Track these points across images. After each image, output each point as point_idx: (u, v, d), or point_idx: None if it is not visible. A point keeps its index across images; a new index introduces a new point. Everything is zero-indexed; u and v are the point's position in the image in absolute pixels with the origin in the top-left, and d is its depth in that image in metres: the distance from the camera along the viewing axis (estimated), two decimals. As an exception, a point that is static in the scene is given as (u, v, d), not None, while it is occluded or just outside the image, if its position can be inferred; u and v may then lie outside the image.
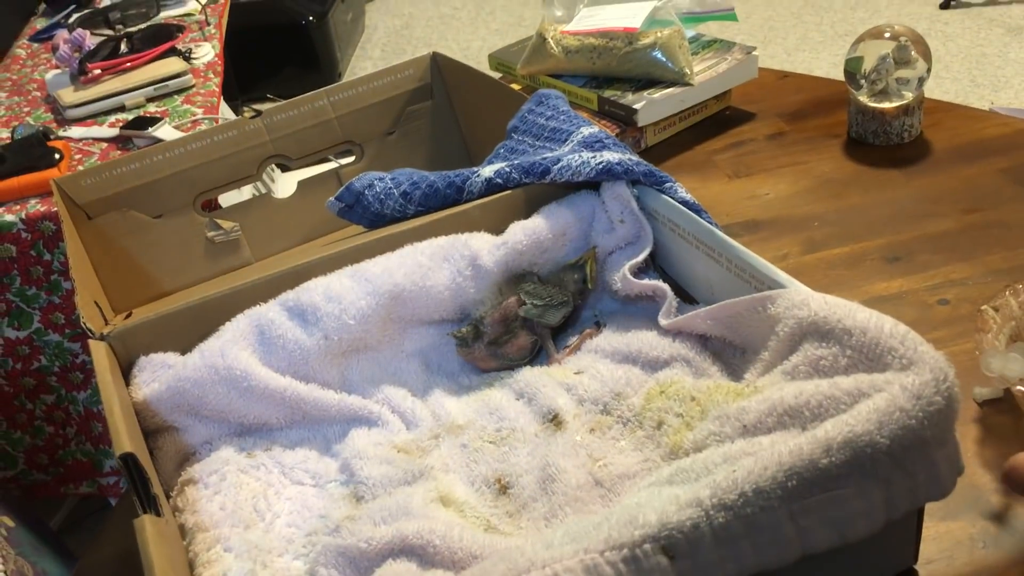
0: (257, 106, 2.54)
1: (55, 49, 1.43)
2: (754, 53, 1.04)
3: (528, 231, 0.69)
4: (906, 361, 0.48)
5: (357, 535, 0.52)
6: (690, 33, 1.07)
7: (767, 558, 0.44)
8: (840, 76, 0.99)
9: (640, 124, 0.99)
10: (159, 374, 0.63)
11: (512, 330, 0.66)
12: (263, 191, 1.40)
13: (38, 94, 1.43)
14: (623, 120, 1.00)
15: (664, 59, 1.00)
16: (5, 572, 1.01)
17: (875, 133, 0.95)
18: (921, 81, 0.92)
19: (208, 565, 0.51)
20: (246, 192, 1.46)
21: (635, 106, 0.98)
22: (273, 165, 0.97)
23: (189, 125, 1.25)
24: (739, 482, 0.43)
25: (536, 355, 0.67)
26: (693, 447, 0.53)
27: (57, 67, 1.43)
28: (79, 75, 1.35)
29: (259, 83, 2.67)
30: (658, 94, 1.00)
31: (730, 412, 0.52)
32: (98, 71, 1.35)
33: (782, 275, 0.57)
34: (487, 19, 3.16)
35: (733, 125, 1.04)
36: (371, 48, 3.11)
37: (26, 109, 1.39)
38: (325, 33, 2.74)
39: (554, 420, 0.60)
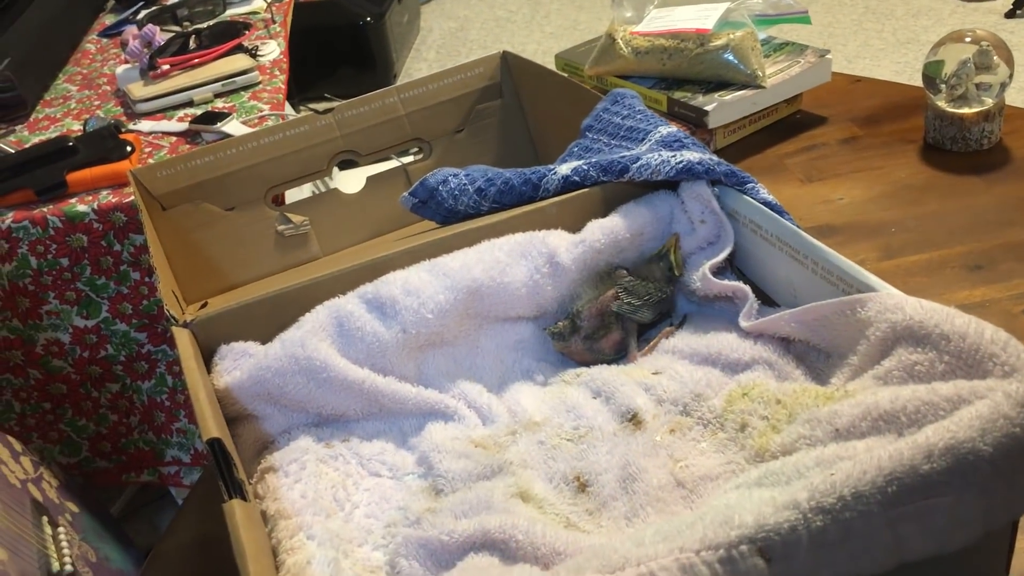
0: (314, 105, 2.57)
1: (124, 44, 1.46)
2: (828, 56, 1.03)
3: (606, 230, 0.68)
4: (1008, 368, 0.47)
5: (438, 528, 0.52)
6: (761, 35, 1.06)
7: (863, 565, 0.43)
8: (904, 82, 0.97)
9: (711, 126, 0.98)
10: (240, 362, 0.63)
11: (607, 324, 0.65)
12: (322, 189, 1.42)
13: (108, 88, 1.46)
14: (693, 122, 0.99)
15: (736, 61, 0.99)
16: (71, 556, 1.02)
17: (953, 139, 0.93)
18: (1003, 87, 0.90)
19: (292, 552, 0.51)
20: (305, 190, 1.47)
21: (706, 108, 0.97)
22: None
23: (256, 121, 1.26)
24: (838, 485, 0.42)
25: (625, 352, 0.67)
26: (781, 450, 0.52)
27: (126, 62, 1.45)
28: (149, 70, 1.37)
29: (316, 82, 2.70)
30: (729, 96, 0.99)
31: (820, 416, 0.51)
32: (167, 66, 1.37)
33: (873, 278, 0.56)
34: (542, 22, 3.16)
35: (804, 129, 1.03)
36: (426, 50, 3.13)
37: (96, 103, 1.41)
38: (382, 34, 2.76)
39: (633, 420, 0.60)
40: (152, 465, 1.29)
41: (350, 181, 1.01)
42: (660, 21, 1.06)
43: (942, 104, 0.93)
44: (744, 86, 1.00)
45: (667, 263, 0.68)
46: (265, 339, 0.65)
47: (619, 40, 1.06)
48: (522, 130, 1.00)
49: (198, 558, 0.67)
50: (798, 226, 0.64)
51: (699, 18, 1.02)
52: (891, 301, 0.53)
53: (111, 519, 1.24)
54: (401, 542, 0.53)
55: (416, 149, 1.00)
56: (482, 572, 0.48)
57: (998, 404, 0.44)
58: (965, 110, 0.91)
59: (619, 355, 0.67)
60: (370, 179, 0.98)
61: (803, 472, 0.47)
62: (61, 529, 1.06)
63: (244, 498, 0.50)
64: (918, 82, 0.96)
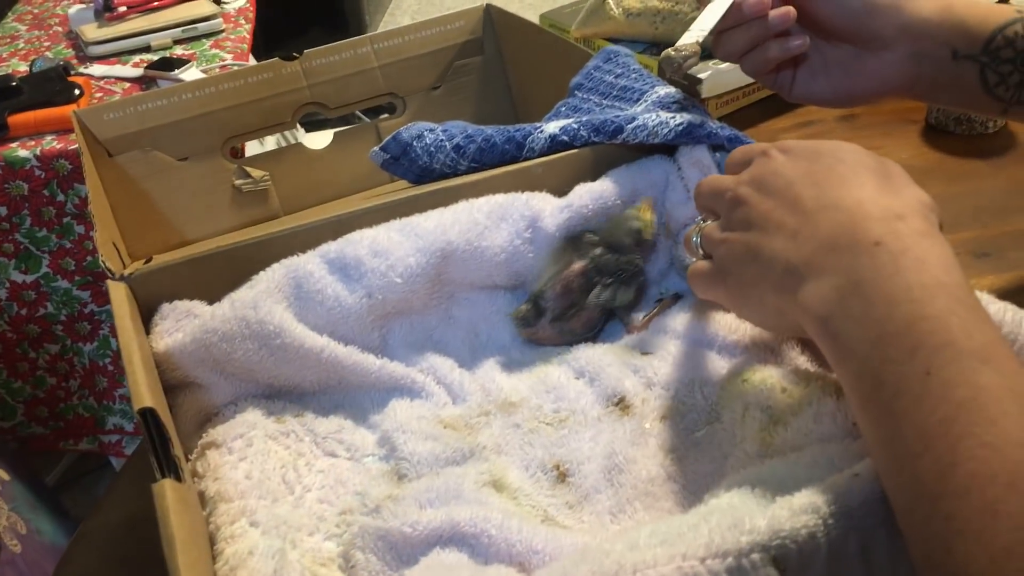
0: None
1: (80, -16, 1.37)
2: (828, 29, 0.98)
3: (595, 195, 0.62)
4: (1051, 362, 0.41)
5: (400, 518, 0.46)
6: (759, 4, 1.00)
7: (886, 578, 0.38)
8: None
9: (704, 96, 0.92)
10: (183, 323, 0.56)
11: (577, 302, 0.59)
12: (284, 143, 1.34)
13: (59, 29, 1.37)
14: (685, 91, 0.93)
15: (733, 28, 0.93)
16: (-3, 527, 0.95)
17: (957, 121, 0.88)
18: (1013, 67, 0.85)
19: (232, 540, 0.45)
20: (268, 143, 1.39)
21: (700, 76, 0.91)
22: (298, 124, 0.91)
23: (217, 70, 1.19)
24: (863, 489, 0.37)
25: (602, 328, 0.61)
26: (787, 445, 0.47)
27: (81, 2, 1.36)
28: (104, 11, 1.28)
29: (284, 41, 2.59)
30: (724, 65, 0.93)
31: (830, 408, 0.46)
32: (124, 8, 1.29)
33: (894, 258, 0.50)
34: (520, -8, 3.08)
35: (800, 104, 0.97)
36: (400, 14, 3.04)
37: (46, 43, 1.32)
38: (355, -6, 2.68)
39: (620, 404, 0.54)
40: (92, 433, 1.21)
41: (316, 140, 0.95)
42: (654, -18, 1.00)
43: (948, 83, 0.88)
44: (740, 55, 0.94)
45: (641, 221, 0.61)
46: (213, 299, 0.58)
47: (610, 0, 1.00)
48: (503, 89, 0.94)
49: (128, 538, 0.60)
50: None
51: (696, -20, 0.96)
52: (917, 283, 0.47)
53: (45, 489, 1.16)
54: (357, 532, 0.47)
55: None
56: (450, 571, 0.42)
57: (1041, 402, 0.39)
58: (972, 90, 0.86)
59: (591, 332, 0.61)
60: (338, 135, 0.91)
61: (815, 470, 0.42)
62: (-12, 498, 0.98)
63: (178, 478, 0.43)
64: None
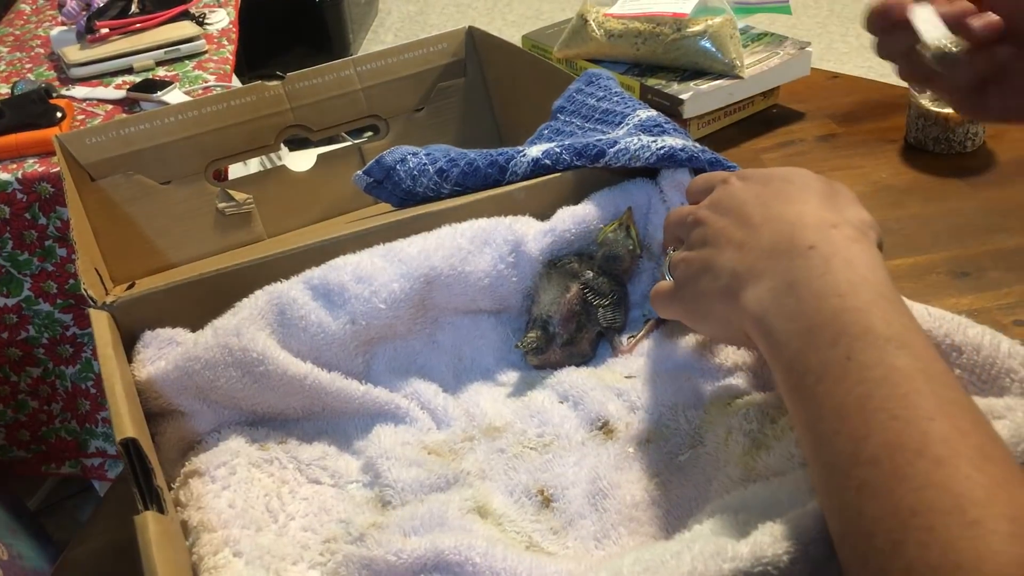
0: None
1: (62, 6, 1.36)
2: (808, 49, 0.99)
3: (577, 218, 0.63)
4: (1029, 386, 0.42)
5: (385, 546, 0.46)
6: (740, 24, 1.02)
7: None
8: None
9: (686, 116, 0.93)
10: (166, 351, 0.56)
11: (581, 325, 0.60)
12: (268, 165, 1.34)
13: (41, 51, 1.36)
14: (667, 111, 0.94)
15: (714, 49, 0.94)
16: (-22, 554, 0.94)
17: (936, 140, 0.89)
18: (990, 87, 0.86)
19: (215, 571, 0.45)
20: (252, 165, 1.39)
21: (682, 96, 0.92)
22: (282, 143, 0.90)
23: (200, 92, 1.19)
24: (845, 514, 0.37)
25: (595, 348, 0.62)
26: (769, 470, 0.47)
27: (63, 24, 1.36)
28: (86, 33, 1.28)
29: (268, 60, 2.60)
30: (706, 85, 0.94)
31: (814, 431, 0.46)
32: (106, 30, 1.29)
33: (874, 281, 0.51)
34: (504, 10, 3.10)
35: (781, 124, 0.98)
36: (383, 32, 3.05)
37: (28, 65, 1.32)
38: (338, 14, 2.68)
39: (604, 428, 0.54)
40: (74, 456, 1.20)
41: (299, 160, 0.95)
42: (635, 3, 1.01)
43: (926, 103, 0.89)
44: (721, 76, 0.95)
45: (632, 240, 0.62)
46: (196, 326, 0.58)
47: (591, 21, 1.00)
48: (486, 111, 0.94)
49: (113, 566, 0.60)
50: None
51: (676, 2, 0.97)
52: (895, 307, 0.48)
53: (27, 513, 1.15)
54: (341, 561, 0.47)
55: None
56: (434, 601, 0.42)
57: (1019, 426, 0.40)
58: (950, 110, 0.88)
59: (593, 352, 0.61)
60: (321, 157, 0.91)
61: (797, 496, 0.42)
62: (-31, 524, 0.97)
63: (161, 510, 0.43)
64: (894, 82, 0.92)
